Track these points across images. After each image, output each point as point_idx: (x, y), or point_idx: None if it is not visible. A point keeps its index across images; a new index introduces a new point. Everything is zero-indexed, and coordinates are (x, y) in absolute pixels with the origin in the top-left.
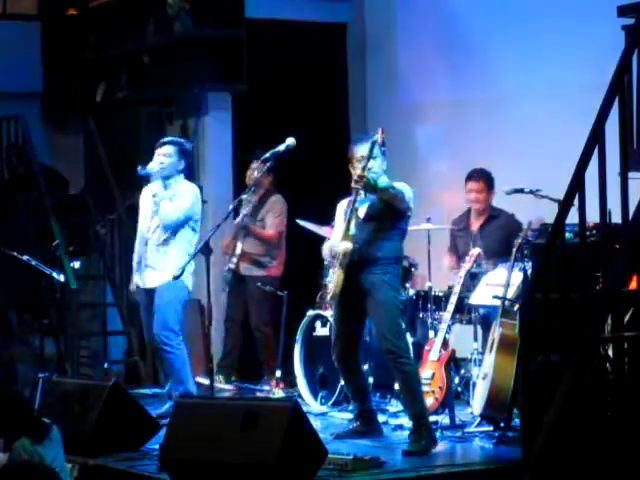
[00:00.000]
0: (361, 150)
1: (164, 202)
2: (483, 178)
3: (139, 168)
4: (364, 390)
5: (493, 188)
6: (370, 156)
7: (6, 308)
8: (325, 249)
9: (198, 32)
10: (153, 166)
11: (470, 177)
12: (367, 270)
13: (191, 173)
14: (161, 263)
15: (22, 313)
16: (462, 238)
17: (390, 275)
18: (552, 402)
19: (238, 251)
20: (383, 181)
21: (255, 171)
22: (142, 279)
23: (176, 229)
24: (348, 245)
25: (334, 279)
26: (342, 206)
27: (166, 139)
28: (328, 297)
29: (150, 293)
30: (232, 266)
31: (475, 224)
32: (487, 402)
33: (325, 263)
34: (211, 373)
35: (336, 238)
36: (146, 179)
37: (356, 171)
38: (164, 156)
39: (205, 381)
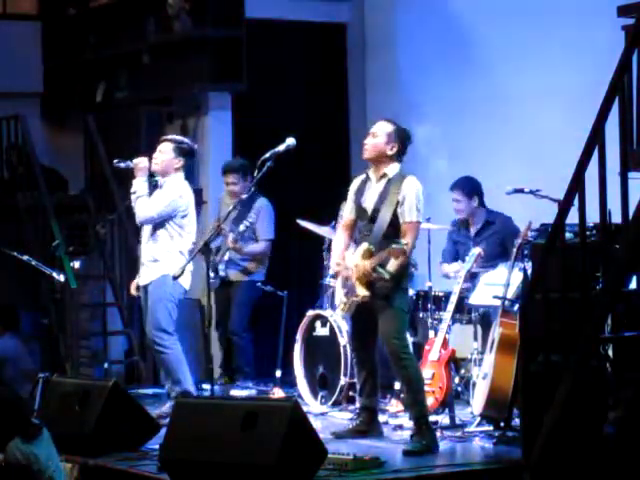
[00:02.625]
0: (378, 125)
1: (142, 199)
2: (459, 187)
3: (116, 161)
4: (372, 386)
5: (473, 195)
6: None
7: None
8: (346, 262)
9: (198, 32)
10: (137, 161)
11: (450, 188)
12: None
13: (190, 173)
14: (150, 259)
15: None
16: (463, 244)
17: (403, 278)
18: (552, 402)
19: (226, 258)
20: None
21: (234, 186)
22: (139, 276)
23: (156, 226)
24: (366, 293)
25: (349, 302)
26: (354, 186)
27: (165, 137)
28: (341, 312)
29: (145, 289)
30: (223, 274)
31: (473, 229)
32: (487, 402)
33: (325, 263)
34: (211, 373)
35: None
36: (126, 172)
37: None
38: (159, 152)
39: (240, 393)
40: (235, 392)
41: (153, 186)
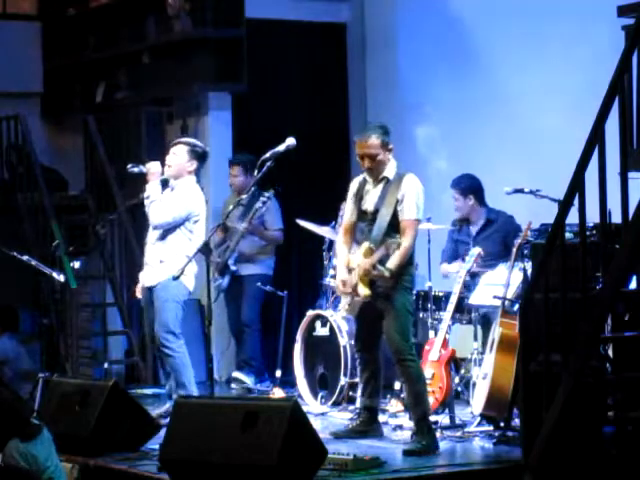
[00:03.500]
0: (369, 145)
1: (155, 203)
2: (455, 185)
3: (129, 166)
4: (375, 387)
5: (469, 194)
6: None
7: (17, 306)
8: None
9: (198, 32)
10: (150, 166)
11: (450, 185)
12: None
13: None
14: (157, 262)
15: (22, 312)
16: (463, 244)
17: (405, 276)
18: (552, 402)
19: (236, 253)
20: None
21: (235, 178)
22: (144, 277)
23: (168, 229)
24: (367, 292)
25: (352, 303)
26: (353, 188)
27: (179, 139)
28: (345, 313)
29: (150, 291)
30: (234, 268)
31: (474, 228)
32: (487, 402)
33: (324, 262)
34: (211, 373)
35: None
36: (139, 177)
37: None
38: (173, 155)
39: (243, 377)
40: (236, 374)
41: (162, 185)
